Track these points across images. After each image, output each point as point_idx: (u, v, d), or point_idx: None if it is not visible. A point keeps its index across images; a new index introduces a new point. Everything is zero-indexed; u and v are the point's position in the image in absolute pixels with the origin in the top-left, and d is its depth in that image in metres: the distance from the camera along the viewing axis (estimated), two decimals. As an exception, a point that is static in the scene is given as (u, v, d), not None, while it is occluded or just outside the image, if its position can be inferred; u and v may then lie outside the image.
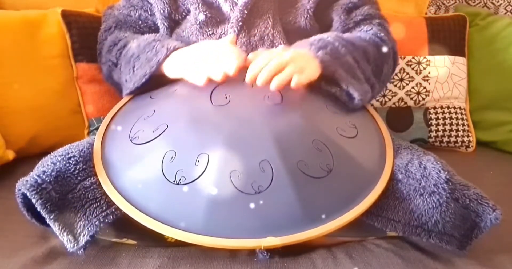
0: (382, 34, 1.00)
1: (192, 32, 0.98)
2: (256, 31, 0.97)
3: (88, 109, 1.17)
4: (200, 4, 0.98)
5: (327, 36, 0.91)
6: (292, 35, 0.99)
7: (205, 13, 0.97)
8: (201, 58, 0.86)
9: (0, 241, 0.81)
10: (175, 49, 0.91)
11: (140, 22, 1.04)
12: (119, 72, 0.99)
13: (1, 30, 1.09)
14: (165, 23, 1.01)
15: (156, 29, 1.04)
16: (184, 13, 1.01)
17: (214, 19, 0.98)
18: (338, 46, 0.89)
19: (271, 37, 0.97)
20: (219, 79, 0.82)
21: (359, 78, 0.91)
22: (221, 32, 0.98)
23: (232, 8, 0.97)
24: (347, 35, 0.96)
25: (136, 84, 0.93)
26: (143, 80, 0.92)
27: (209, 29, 0.98)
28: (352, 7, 1.03)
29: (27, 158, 1.03)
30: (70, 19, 1.15)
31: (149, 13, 1.03)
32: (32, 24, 1.13)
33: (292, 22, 1.00)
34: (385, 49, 0.98)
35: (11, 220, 0.85)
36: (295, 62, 0.82)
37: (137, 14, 1.04)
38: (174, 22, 1.02)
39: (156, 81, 0.92)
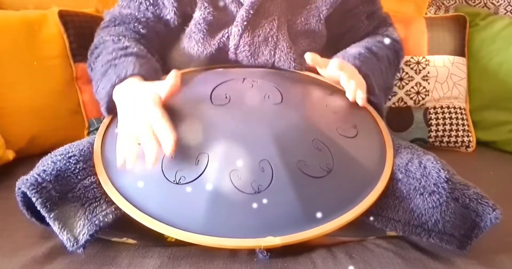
0: (395, 35, 1.07)
1: (197, 30, 0.98)
2: (260, 31, 0.97)
3: (88, 110, 1.17)
4: (207, 4, 0.98)
5: (364, 51, 0.97)
6: (298, 37, 1.00)
7: (212, 13, 0.97)
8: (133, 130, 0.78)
9: (0, 241, 0.81)
10: (121, 81, 0.85)
11: (138, 12, 0.99)
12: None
13: (0, 30, 1.09)
14: (176, 12, 0.97)
15: (155, 21, 1.00)
16: (194, 6, 0.99)
17: (220, 19, 0.98)
18: (373, 62, 0.96)
19: (275, 39, 0.97)
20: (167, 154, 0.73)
21: (380, 90, 0.98)
22: (225, 32, 0.97)
23: (238, 9, 0.97)
24: (374, 46, 1.01)
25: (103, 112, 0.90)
26: (105, 105, 0.87)
27: (214, 29, 0.98)
28: (370, 13, 1.08)
29: (27, 158, 1.03)
30: (67, 19, 1.15)
31: (151, 2, 0.98)
32: (32, 24, 1.13)
33: (303, 23, 1.01)
34: (400, 51, 1.07)
35: (11, 220, 0.86)
36: (357, 77, 0.91)
37: (136, 3, 0.99)
38: (184, 14, 0.99)
39: None
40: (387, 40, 1.05)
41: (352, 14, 1.06)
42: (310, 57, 0.88)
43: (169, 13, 0.98)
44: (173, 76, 0.80)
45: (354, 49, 0.98)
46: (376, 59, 0.98)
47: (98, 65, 0.92)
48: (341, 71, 0.88)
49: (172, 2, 0.97)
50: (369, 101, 0.94)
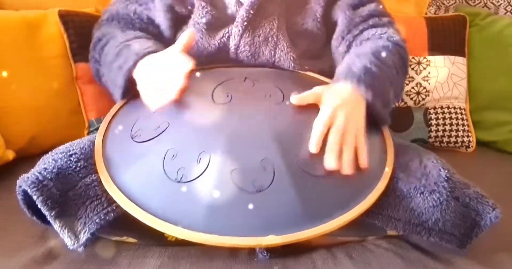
0: (398, 37, 0.98)
1: (196, 30, 0.98)
2: (260, 31, 0.97)
3: (88, 110, 1.17)
4: (205, 4, 0.98)
5: (369, 62, 0.86)
6: (298, 37, 0.99)
7: (211, 13, 0.97)
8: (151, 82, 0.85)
9: (0, 241, 0.81)
10: (144, 55, 0.89)
11: (134, 14, 1.02)
12: (102, 74, 0.99)
13: (1, 30, 1.09)
14: (167, 15, 0.99)
15: (149, 23, 1.02)
16: (189, 7, 0.99)
17: (219, 19, 0.98)
18: (380, 77, 0.86)
19: (275, 39, 0.97)
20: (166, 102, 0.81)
21: (389, 105, 0.91)
22: (225, 32, 0.97)
23: (238, 9, 0.97)
24: (381, 55, 0.90)
25: (117, 96, 0.93)
26: (121, 90, 0.91)
27: (214, 29, 0.98)
28: (358, 4, 1.02)
29: (27, 157, 1.03)
30: (67, 19, 1.15)
31: (144, 7, 1.02)
32: (32, 24, 1.13)
33: (300, 23, 1.00)
34: (405, 54, 0.98)
35: (11, 220, 0.85)
36: (351, 126, 0.79)
37: (132, 7, 1.02)
38: (177, 16, 1.00)
39: None
40: (389, 44, 0.95)
41: (338, 6, 1.02)
42: (294, 100, 0.81)
43: (159, 16, 1.00)
44: (188, 31, 0.87)
45: (359, 63, 0.87)
46: (384, 69, 0.88)
47: (109, 50, 0.95)
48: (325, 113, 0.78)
49: (161, 7, 0.99)
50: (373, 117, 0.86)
